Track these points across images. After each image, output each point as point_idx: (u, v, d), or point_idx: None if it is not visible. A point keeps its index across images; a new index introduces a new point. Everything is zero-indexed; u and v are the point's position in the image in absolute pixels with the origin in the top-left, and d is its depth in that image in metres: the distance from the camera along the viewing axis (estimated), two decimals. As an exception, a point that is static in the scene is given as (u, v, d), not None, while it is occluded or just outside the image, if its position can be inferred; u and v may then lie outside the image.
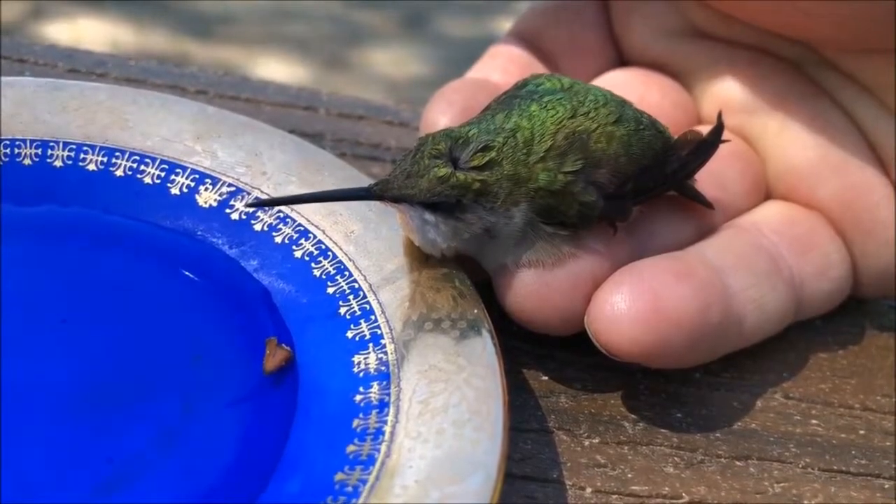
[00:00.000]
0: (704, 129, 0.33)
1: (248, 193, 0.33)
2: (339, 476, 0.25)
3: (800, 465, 0.31)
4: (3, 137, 0.33)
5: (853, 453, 0.32)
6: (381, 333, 0.29)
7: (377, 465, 0.25)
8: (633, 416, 0.32)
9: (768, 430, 0.32)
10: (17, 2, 1.62)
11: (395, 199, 0.28)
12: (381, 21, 1.83)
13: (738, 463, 0.31)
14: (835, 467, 0.31)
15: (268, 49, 1.67)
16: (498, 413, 0.26)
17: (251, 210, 0.32)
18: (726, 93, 0.36)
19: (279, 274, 0.31)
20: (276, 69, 1.58)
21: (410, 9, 1.87)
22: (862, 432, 0.33)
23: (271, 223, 0.32)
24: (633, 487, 0.29)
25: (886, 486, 0.31)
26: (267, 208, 0.33)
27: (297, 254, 0.32)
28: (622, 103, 0.31)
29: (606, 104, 0.30)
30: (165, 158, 0.34)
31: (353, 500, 0.24)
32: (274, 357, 0.29)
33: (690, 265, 0.30)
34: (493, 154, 0.28)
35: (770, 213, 0.35)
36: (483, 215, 0.29)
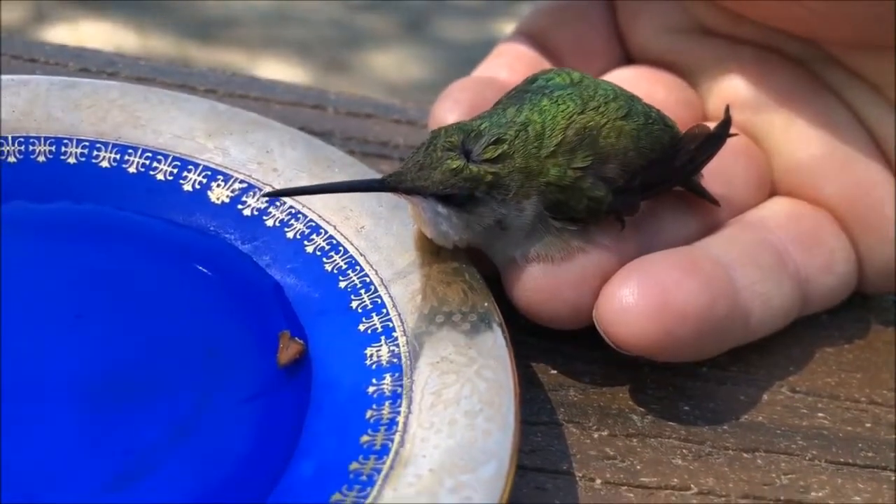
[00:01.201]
0: (711, 126, 0.33)
1: (260, 190, 0.33)
2: (353, 465, 0.25)
3: (807, 458, 0.31)
4: (17, 135, 0.33)
5: (860, 446, 0.32)
6: (393, 326, 0.29)
7: (391, 454, 0.25)
8: (641, 409, 0.32)
9: (775, 423, 0.32)
10: (17, 3, 1.62)
11: (409, 191, 0.28)
12: (382, 24, 1.83)
13: (745, 455, 0.31)
14: (841, 459, 0.31)
15: (269, 52, 1.68)
16: (509, 404, 0.26)
17: (263, 205, 0.33)
18: (732, 90, 0.36)
19: (291, 269, 0.32)
20: (278, 72, 1.58)
21: (411, 12, 1.87)
22: (868, 425, 0.33)
23: (283, 219, 0.33)
24: (643, 479, 0.30)
25: (893, 479, 0.31)
26: (279, 204, 0.33)
27: (309, 249, 0.32)
28: (631, 98, 0.31)
29: (616, 99, 0.30)
30: (178, 155, 0.34)
31: (368, 489, 0.25)
32: (287, 350, 0.29)
33: (697, 260, 0.31)
34: (505, 147, 0.29)
35: (776, 209, 0.35)
36: (495, 207, 0.29)
